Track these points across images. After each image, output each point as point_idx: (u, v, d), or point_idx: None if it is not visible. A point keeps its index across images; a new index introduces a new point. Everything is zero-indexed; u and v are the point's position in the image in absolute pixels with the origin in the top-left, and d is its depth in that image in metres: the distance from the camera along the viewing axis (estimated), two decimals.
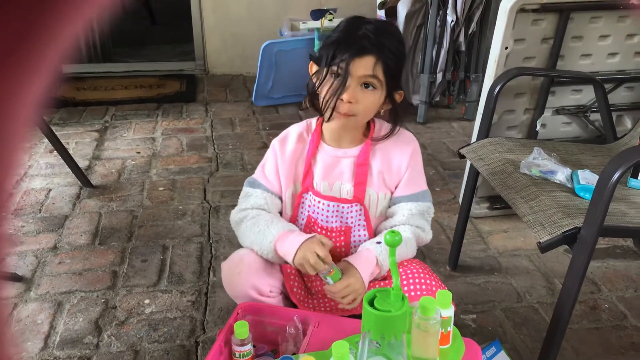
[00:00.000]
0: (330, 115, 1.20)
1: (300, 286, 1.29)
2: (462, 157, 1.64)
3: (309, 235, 1.21)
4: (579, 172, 1.46)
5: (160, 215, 2.12)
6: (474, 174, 1.70)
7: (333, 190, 1.28)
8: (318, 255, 1.15)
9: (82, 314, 1.60)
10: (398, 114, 1.28)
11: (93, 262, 1.83)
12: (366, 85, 1.17)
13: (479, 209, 2.09)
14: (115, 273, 1.78)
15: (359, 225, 1.29)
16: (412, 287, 1.20)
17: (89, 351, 1.47)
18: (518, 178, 1.45)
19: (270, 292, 1.24)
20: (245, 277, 1.23)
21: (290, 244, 1.20)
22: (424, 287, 1.20)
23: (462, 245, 1.81)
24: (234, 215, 1.33)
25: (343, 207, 1.27)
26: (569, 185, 1.43)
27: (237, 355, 1.15)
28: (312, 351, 1.09)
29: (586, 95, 2.01)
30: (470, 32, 2.89)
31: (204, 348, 1.48)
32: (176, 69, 3.80)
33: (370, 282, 1.24)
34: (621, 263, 1.87)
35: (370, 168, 1.27)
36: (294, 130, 1.33)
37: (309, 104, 1.27)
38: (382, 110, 1.25)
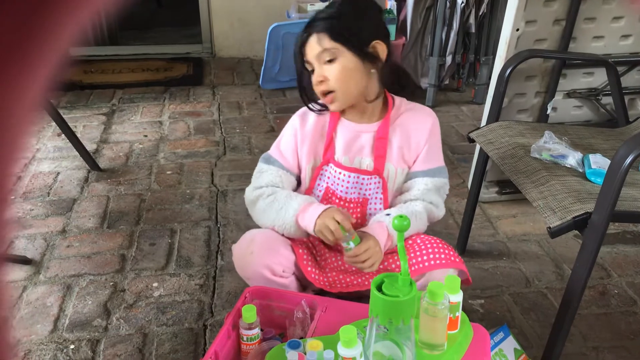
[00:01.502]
0: (319, 103, 1.28)
1: (313, 265, 1.29)
2: (472, 141, 1.62)
3: (328, 206, 1.24)
4: (590, 156, 1.44)
5: (168, 199, 2.12)
6: (484, 158, 1.68)
7: (353, 164, 1.30)
8: (337, 222, 1.18)
9: (91, 296, 1.61)
10: (397, 74, 1.30)
11: (101, 246, 1.84)
12: (327, 61, 1.20)
13: (488, 193, 2.08)
14: (124, 256, 1.78)
15: (376, 197, 1.31)
16: (424, 256, 1.22)
17: (98, 334, 1.48)
18: (528, 162, 1.43)
19: (283, 272, 1.25)
20: (258, 257, 1.23)
21: (311, 215, 1.22)
22: (442, 256, 1.22)
23: (470, 230, 1.80)
24: (249, 193, 1.33)
25: (363, 179, 1.29)
26: (580, 170, 1.41)
27: (244, 338, 1.15)
28: (319, 335, 1.09)
29: (598, 78, 1.98)
30: (480, 13, 2.85)
31: (212, 331, 1.48)
32: (183, 51, 3.78)
33: (385, 254, 1.25)
34: (631, 248, 1.86)
35: (390, 142, 1.29)
36: None
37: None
38: (373, 70, 1.24)
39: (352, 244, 1.19)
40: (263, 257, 1.23)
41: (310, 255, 1.31)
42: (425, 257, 1.22)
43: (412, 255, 1.23)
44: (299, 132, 1.32)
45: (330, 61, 1.20)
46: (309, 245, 1.33)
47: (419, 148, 1.30)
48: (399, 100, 1.31)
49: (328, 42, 1.18)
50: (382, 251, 1.21)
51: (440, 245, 1.25)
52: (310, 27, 1.20)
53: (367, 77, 1.24)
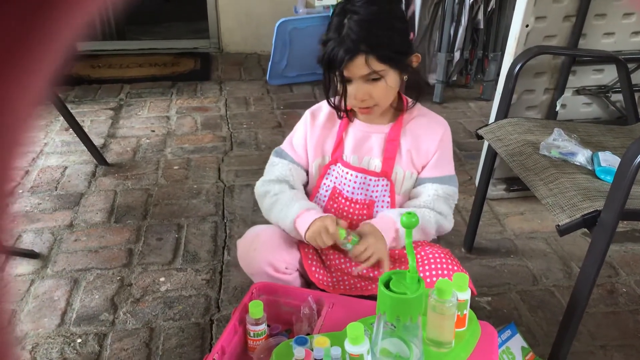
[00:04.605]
0: (353, 114, 1.24)
1: (318, 265, 1.29)
2: (480, 137, 1.61)
3: (325, 214, 1.22)
4: (600, 153, 1.43)
5: (175, 194, 2.12)
6: (492, 155, 1.67)
7: (362, 164, 1.29)
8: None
9: (98, 291, 1.61)
10: (419, 84, 1.28)
11: (109, 240, 1.84)
12: (372, 79, 1.16)
13: (495, 190, 2.07)
14: (131, 251, 1.79)
15: (383, 200, 1.29)
16: (433, 272, 1.19)
17: (105, 328, 1.48)
18: (537, 160, 1.42)
19: (286, 268, 1.24)
20: (261, 253, 1.24)
21: (306, 220, 1.21)
22: (445, 272, 1.18)
23: (477, 227, 1.79)
24: (259, 186, 1.34)
25: (370, 180, 1.28)
26: (590, 167, 1.40)
27: (251, 334, 1.15)
28: (326, 332, 1.09)
29: (608, 74, 1.96)
30: (489, 9, 2.83)
31: (219, 326, 1.49)
32: (190, 47, 3.78)
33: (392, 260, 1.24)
34: None
35: (399, 145, 1.27)
36: (326, 106, 1.33)
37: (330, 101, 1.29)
38: (405, 77, 1.23)
39: (349, 246, 1.18)
40: (266, 253, 1.23)
41: (316, 254, 1.30)
42: (427, 273, 1.19)
43: (434, 267, 1.20)
44: (308, 127, 1.32)
45: (375, 79, 1.17)
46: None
47: (428, 155, 1.28)
48: (412, 104, 1.29)
49: (377, 65, 1.14)
50: (386, 244, 1.20)
51: (444, 259, 1.21)
52: (360, 43, 1.12)
53: (399, 85, 1.23)
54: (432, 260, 1.20)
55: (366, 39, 1.12)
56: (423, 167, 1.29)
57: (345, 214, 1.30)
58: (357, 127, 1.29)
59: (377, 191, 1.28)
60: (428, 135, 1.28)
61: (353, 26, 1.12)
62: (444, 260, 1.20)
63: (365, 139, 1.28)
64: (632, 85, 1.76)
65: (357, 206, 1.29)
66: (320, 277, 1.27)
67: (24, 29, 0.19)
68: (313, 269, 1.27)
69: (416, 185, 1.30)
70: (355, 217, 1.29)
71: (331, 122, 1.31)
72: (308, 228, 1.20)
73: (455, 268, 1.20)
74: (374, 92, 1.18)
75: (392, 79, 1.18)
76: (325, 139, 1.31)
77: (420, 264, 1.21)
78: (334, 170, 1.31)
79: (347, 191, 1.29)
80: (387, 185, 1.28)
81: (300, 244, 1.29)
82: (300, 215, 1.22)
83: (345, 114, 1.28)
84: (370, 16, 1.13)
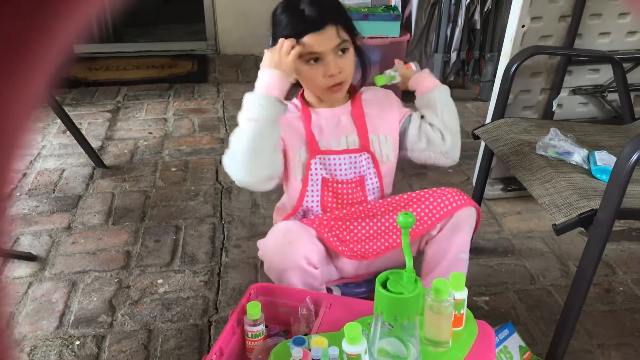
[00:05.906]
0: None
1: (342, 242, 1.28)
2: (477, 138, 1.62)
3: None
4: (596, 153, 1.44)
5: (172, 195, 2.12)
6: (488, 155, 1.68)
7: (341, 144, 1.31)
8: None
9: (96, 293, 1.61)
10: (365, 64, 1.32)
11: (107, 242, 1.84)
12: (341, 50, 1.21)
13: (492, 190, 2.07)
14: (129, 253, 1.79)
15: (369, 174, 1.33)
16: (447, 201, 1.24)
17: (103, 330, 1.49)
18: (534, 159, 1.42)
19: (317, 261, 1.23)
20: (297, 246, 1.20)
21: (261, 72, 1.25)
22: (465, 197, 1.25)
23: None
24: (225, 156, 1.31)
25: (355, 157, 1.31)
26: (586, 167, 1.40)
27: (249, 335, 1.15)
28: (324, 332, 1.09)
29: (604, 74, 1.97)
30: (485, 10, 2.84)
31: (217, 327, 1.49)
32: (187, 48, 3.78)
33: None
34: (637, 246, 1.85)
35: (367, 116, 1.33)
36: None
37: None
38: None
39: (393, 73, 1.25)
40: (302, 247, 1.20)
41: (334, 236, 1.29)
42: (451, 199, 1.24)
43: (440, 200, 1.25)
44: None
45: (343, 51, 1.21)
46: (329, 227, 1.30)
47: (393, 115, 1.34)
48: (359, 85, 1.36)
49: (344, 33, 1.20)
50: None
51: (454, 192, 1.27)
52: (325, 15, 1.17)
53: None
54: (442, 196, 1.25)
55: (330, 10, 1.20)
56: (392, 128, 1.34)
57: (341, 197, 1.32)
58: (322, 115, 1.32)
59: (363, 166, 1.32)
60: (383, 99, 1.36)
61: (312, 6, 1.18)
62: (456, 191, 1.26)
63: (336, 122, 1.32)
64: (627, 85, 1.77)
65: (352, 185, 1.32)
66: (349, 252, 1.27)
67: (22, 31, 0.19)
68: (340, 248, 1.26)
69: (411, 130, 1.35)
70: (350, 198, 1.32)
71: (295, 114, 1.33)
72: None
73: (465, 197, 1.26)
74: (344, 64, 1.22)
75: (352, 52, 1.24)
76: (298, 130, 1.31)
77: (436, 197, 1.26)
78: (316, 163, 1.31)
79: (340, 175, 1.31)
80: (369, 158, 1.32)
81: (319, 232, 1.25)
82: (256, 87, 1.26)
83: (305, 103, 1.32)
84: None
